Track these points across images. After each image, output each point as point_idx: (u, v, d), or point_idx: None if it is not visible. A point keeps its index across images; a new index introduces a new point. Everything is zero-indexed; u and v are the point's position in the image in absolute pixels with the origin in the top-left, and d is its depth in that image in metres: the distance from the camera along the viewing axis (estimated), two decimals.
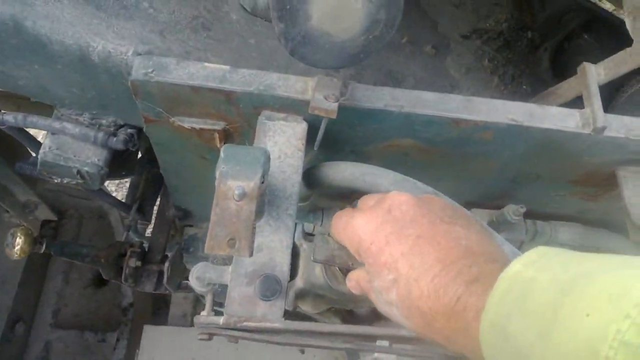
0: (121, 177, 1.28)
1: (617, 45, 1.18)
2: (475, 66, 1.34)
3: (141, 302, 2.10)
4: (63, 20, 0.79)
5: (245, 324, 0.70)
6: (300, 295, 0.85)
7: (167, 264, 1.19)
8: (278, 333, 0.71)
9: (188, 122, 0.89)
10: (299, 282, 0.83)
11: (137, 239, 1.38)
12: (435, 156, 0.97)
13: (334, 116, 0.76)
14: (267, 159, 0.67)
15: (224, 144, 0.95)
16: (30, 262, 1.83)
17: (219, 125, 0.90)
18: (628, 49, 0.94)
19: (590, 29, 1.36)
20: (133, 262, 1.19)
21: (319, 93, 0.78)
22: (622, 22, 1.21)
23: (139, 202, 1.38)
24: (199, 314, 0.75)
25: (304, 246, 0.83)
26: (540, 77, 1.42)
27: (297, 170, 0.81)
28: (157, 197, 1.46)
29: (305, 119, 0.86)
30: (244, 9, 0.99)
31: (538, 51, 1.45)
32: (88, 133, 0.97)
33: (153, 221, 1.50)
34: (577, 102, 1.06)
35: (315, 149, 0.86)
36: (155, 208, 1.51)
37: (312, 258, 0.71)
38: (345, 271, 0.76)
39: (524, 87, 1.40)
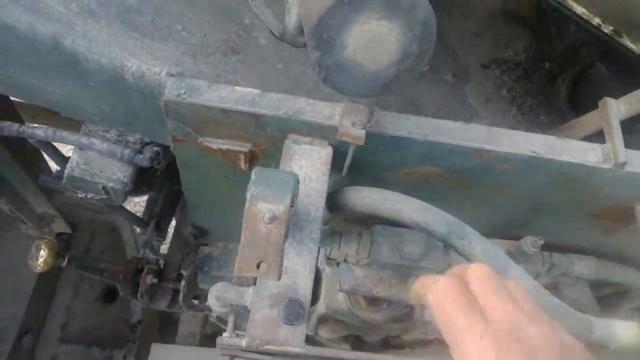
0: (141, 193, 1.29)
1: (634, 78, 1.19)
2: (494, 95, 1.36)
3: (149, 319, 2.10)
4: (100, 40, 0.82)
5: (267, 347, 0.70)
6: (322, 320, 0.85)
7: (183, 282, 1.20)
8: (299, 358, 0.71)
9: (215, 143, 0.90)
10: (321, 308, 0.83)
11: (152, 256, 1.39)
12: (456, 185, 0.98)
13: (361, 143, 0.78)
14: (297, 183, 0.69)
15: (249, 165, 0.97)
16: (43, 273, 1.84)
17: (246, 147, 0.91)
18: None
19: (607, 62, 1.37)
20: (149, 279, 1.20)
21: (347, 119, 0.79)
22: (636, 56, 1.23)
23: (157, 219, 1.40)
24: (222, 334, 0.75)
25: (326, 271, 0.84)
26: (557, 108, 1.44)
27: (322, 195, 0.83)
28: (173, 215, 1.47)
29: (330, 144, 0.87)
30: (273, 34, 1.01)
31: (556, 82, 1.47)
32: (115, 150, 0.99)
33: (168, 238, 1.51)
34: (595, 135, 1.07)
35: (343, 174, 0.88)
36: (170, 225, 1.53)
37: (337, 288, 0.72)
38: (369, 298, 0.77)
39: (542, 117, 1.41)
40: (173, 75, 0.84)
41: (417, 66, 0.70)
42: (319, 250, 0.79)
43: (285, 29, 1.00)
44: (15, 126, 0.98)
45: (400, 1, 0.64)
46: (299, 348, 0.70)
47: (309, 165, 0.85)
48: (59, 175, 1.15)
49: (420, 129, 0.85)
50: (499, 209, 1.07)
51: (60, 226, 1.73)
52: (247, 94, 0.84)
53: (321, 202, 0.82)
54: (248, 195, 0.68)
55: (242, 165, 0.96)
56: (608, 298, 1.38)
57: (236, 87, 0.85)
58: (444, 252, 1.17)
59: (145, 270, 1.20)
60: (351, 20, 0.64)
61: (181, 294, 1.20)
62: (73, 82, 0.87)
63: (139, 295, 1.18)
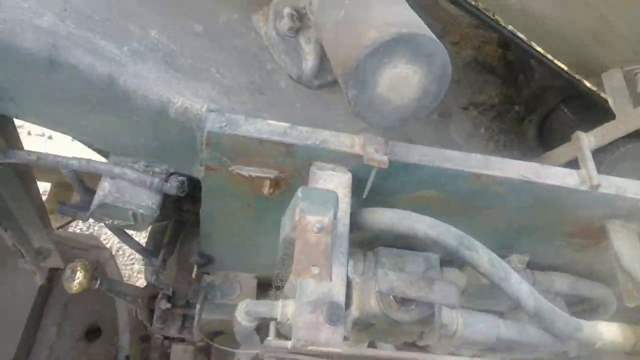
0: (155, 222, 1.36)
1: (591, 117, 1.39)
2: (474, 133, 1.53)
3: (138, 355, 2.09)
4: (149, 79, 0.92)
5: (310, 348, 0.79)
6: (355, 324, 0.94)
7: (198, 307, 1.26)
8: (339, 357, 0.79)
9: (246, 170, 1.01)
10: (354, 312, 0.92)
11: (160, 284, 1.44)
12: (454, 208, 1.11)
13: (385, 166, 0.90)
14: (337, 199, 0.80)
15: (272, 190, 1.07)
16: (32, 310, 1.83)
17: (272, 174, 1.02)
18: (612, 122, 1.14)
19: (570, 104, 1.58)
20: (163, 304, 1.25)
21: (369, 147, 0.92)
22: (597, 97, 1.43)
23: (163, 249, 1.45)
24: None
25: (356, 279, 0.94)
26: (527, 145, 1.62)
27: (346, 214, 0.93)
28: (176, 244, 1.53)
29: (349, 170, 0.99)
30: (291, 78, 1.14)
31: (524, 122, 1.67)
32: (145, 179, 1.07)
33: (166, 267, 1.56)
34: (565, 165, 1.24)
35: (364, 196, 0.99)
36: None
37: (377, 289, 0.82)
38: (400, 299, 0.87)
39: (515, 152, 1.59)
40: (212, 111, 0.95)
41: (433, 103, 0.85)
42: (348, 262, 0.88)
43: (302, 74, 1.14)
44: (51, 157, 1.05)
45: (423, 49, 0.78)
46: (339, 348, 0.79)
47: (332, 188, 0.96)
48: (78, 205, 1.21)
49: (428, 157, 0.99)
50: (490, 230, 1.20)
51: (54, 261, 1.74)
52: (280, 127, 0.95)
53: (347, 220, 0.92)
54: (297, 210, 0.78)
55: (266, 190, 1.06)
56: (580, 314, 1.53)
57: (269, 121, 0.96)
58: (440, 269, 1.30)
59: (160, 295, 1.25)
60: (383, 64, 0.78)
61: (196, 319, 1.25)
62: (117, 117, 0.96)
63: (154, 319, 1.22)
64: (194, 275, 1.51)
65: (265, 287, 1.54)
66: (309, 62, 1.14)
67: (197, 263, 1.46)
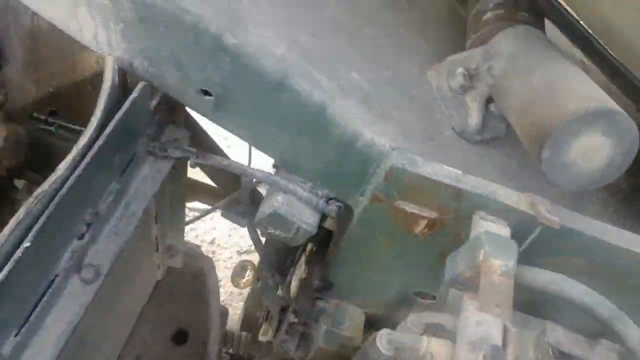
0: None
1: None
2: (603, 213, 1.55)
3: None
4: (350, 113, 1.04)
5: None
6: None
7: (324, 328, 1.33)
8: None
9: (409, 207, 1.09)
10: (509, 359, 0.96)
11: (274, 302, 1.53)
12: (597, 280, 1.13)
13: (558, 227, 0.96)
14: (517, 248, 0.86)
15: (426, 231, 1.15)
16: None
17: (432, 215, 1.10)
18: None
19: None
20: (292, 318, 1.33)
21: (542, 207, 0.98)
22: None
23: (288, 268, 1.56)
24: None
25: (511, 329, 0.98)
26: None
27: None
28: (298, 265, 1.63)
29: (508, 225, 1.06)
30: (454, 129, 1.24)
31: None
32: (312, 198, 1.18)
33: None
34: None
35: (520, 250, 1.05)
36: None
37: (545, 339, 0.87)
38: (559, 355, 0.91)
39: None
40: (394, 149, 1.06)
41: (615, 174, 0.91)
42: None
43: (465, 128, 1.24)
44: (239, 165, 1.19)
45: (618, 124, 0.86)
46: None
47: None
48: (239, 211, 1.34)
49: (591, 226, 1.04)
50: (626, 309, 1.21)
51: (177, 261, 1.88)
52: (453, 172, 1.04)
53: None
54: (481, 251, 0.85)
55: (419, 229, 1.14)
56: None
57: (443, 165, 1.05)
58: None
59: (291, 309, 1.34)
60: (580, 133, 0.86)
61: (320, 340, 1.33)
62: (311, 141, 1.09)
63: (281, 330, 1.31)
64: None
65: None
66: (474, 119, 1.23)
67: (317, 287, 1.55)
